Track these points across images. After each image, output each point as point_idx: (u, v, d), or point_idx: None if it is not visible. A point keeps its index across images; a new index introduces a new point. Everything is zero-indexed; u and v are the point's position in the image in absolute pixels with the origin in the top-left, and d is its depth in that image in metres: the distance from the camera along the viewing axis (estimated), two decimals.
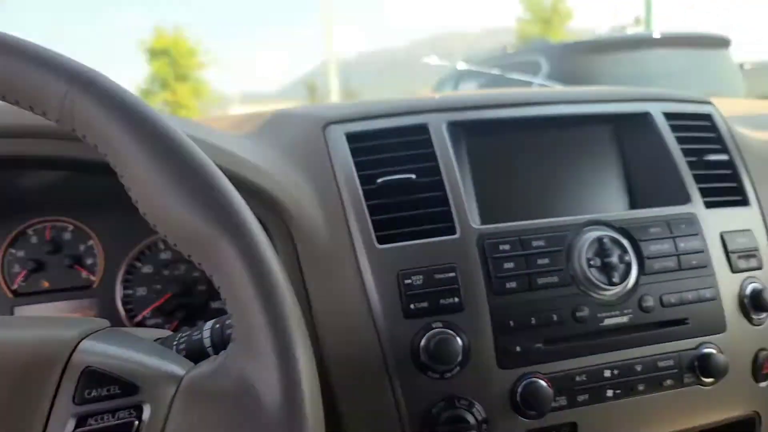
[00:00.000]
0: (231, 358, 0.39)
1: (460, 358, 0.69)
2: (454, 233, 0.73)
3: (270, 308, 0.37)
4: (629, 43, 3.98)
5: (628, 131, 0.87)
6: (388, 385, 0.69)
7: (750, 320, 0.80)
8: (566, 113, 0.85)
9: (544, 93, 0.87)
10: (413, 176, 0.75)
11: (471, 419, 0.68)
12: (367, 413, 0.69)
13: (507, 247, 0.73)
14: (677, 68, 3.81)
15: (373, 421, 0.69)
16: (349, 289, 0.71)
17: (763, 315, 0.80)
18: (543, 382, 0.70)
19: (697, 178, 0.84)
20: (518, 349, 0.71)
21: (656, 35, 4.00)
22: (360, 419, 0.69)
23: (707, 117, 0.91)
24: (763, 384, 0.80)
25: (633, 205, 0.85)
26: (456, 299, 0.70)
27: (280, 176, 0.73)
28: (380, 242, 0.72)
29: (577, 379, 0.72)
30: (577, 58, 3.85)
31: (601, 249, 0.74)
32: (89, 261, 0.88)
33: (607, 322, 0.74)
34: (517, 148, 0.84)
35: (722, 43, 4.06)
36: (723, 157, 0.87)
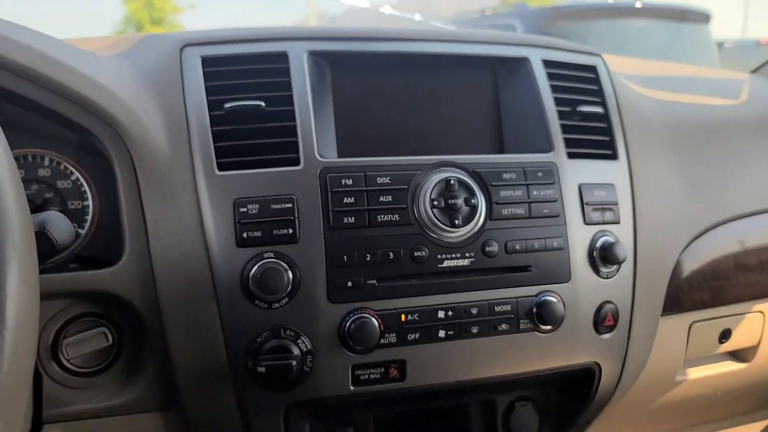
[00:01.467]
0: None
1: (288, 289, 0.68)
2: (297, 164, 0.72)
3: None
4: (609, 11, 3.90)
5: (504, 77, 0.86)
6: (216, 312, 0.69)
7: (597, 272, 0.80)
8: (442, 52, 0.83)
9: (421, 30, 0.85)
10: (262, 104, 0.73)
11: (295, 350, 0.69)
12: (193, 337, 0.69)
13: (350, 182, 0.72)
14: (655, 41, 3.77)
15: (198, 346, 0.69)
16: (185, 215, 0.70)
17: (612, 268, 0.81)
18: (372, 318, 0.70)
19: (565, 129, 0.83)
20: (349, 284, 0.71)
21: (638, 5, 3.94)
22: (185, 343, 0.69)
23: (591, 69, 0.90)
24: (605, 336, 0.81)
25: (499, 150, 0.84)
26: (290, 230, 0.69)
27: (125, 95, 0.71)
28: (221, 169, 0.71)
29: (409, 317, 0.72)
30: (552, 24, 3.77)
31: (447, 191, 0.74)
32: None
33: (447, 264, 0.74)
34: (384, 85, 0.82)
35: (703, 18, 4.01)
36: (597, 109, 0.86)
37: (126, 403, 0.72)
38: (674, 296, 0.89)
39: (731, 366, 1.02)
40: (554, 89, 0.84)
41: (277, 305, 0.69)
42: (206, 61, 0.75)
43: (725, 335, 0.98)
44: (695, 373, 0.98)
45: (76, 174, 0.72)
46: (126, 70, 0.77)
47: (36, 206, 0.70)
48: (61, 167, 0.72)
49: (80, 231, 0.71)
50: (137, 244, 0.69)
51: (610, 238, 0.81)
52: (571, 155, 0.82)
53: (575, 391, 0.86)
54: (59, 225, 0.65)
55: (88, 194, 0.72)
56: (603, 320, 0.81)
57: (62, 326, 0.71)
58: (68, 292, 0.69)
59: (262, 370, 0.67)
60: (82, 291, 0.69)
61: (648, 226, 0.85)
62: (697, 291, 0.92)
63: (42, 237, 0.63)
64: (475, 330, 0.75)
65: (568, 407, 0.87)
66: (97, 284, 0.69)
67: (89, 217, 0.72)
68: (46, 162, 0.71)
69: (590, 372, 0.83)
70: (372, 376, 0.73)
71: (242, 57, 0.76)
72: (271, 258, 0.69)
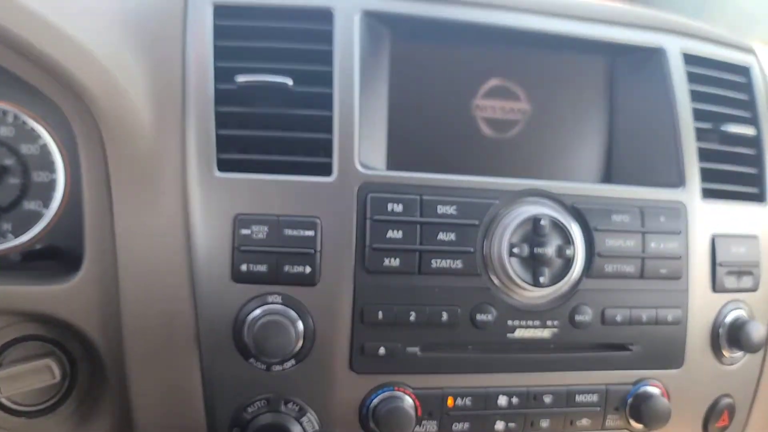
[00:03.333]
0: None
1: (297, 347, 0.49)
2: (328, 174, 0.51)
3: None
4: None
5: (627, 71, 0.62)
6: (196, 365, 0.50)
7: (719, 358, 0.59)
8: (542, 29, 0.59)
9: None
10: (290, 81, 0.52)
11: (297, 430, 0.50)
12: (163, 394, 0.51)
13: (399, 207, 0.51)
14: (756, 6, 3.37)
15: (169, 406, 0.51)
16: (167, 226, 0.50)
17: (738, 354, 0.59)
18: (408, 398, 0.51)
19: (703, 154, 0.59)
20: (382, 350, 0.51)
21: None
22: (152, 400, 0.51)
23: (743, 71, 0.65)
24: None
25: (606, 176, 0.62)
26: (308, 268, 0.49)
27: (97, 46, 0.50)
28: (222, 168, 0.50)
29: (458, 402, 0.53)
30: None
31: (534, 233, 0.52)
32: None
33: (519, 334, 0.53)
34: (460, 67, 0.59)
35: None
36: (749, 131, 0.62)
37: None
38: None
39: None
40: (695, 97, 0.60)
41: (279, 368, 0.50)
42: (219, 11, 0.53)
43: None
44: None
45: (45, 138, 0.54)
46: (113, 8, 0.56)
47: None
48: (28, 127, 0.53)
49: (43, 211, 0.53)
50: (100, 256, 0.50)
51: (743, 313, 0.59)
52: (706, 193, 0.59)
53: None
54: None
55: (58, 165, 0.54)
56: (717, 419, 0.60)
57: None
58: (6, 310, 0.51)
59: None
60: (23, 311, 0.51)
61: None
62: None
63: None
64: (545, 424, 0.55)
65: None
66: (42, 305, 0.51)
67: (56, 195, 0.54)
68: (10, 119, 0.53)
69: None
70: None
71: (270, 9, 0.54)
72: (277, 303, 0.49)
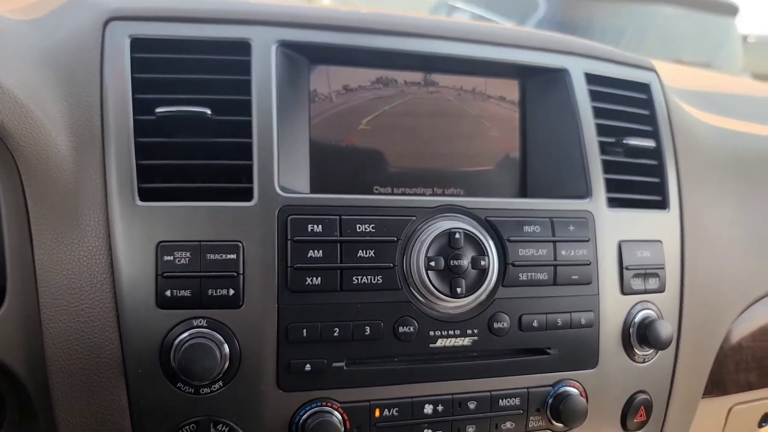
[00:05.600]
0: None
1: (223, 369, 0.50)
2: (249, 198, 0.53)
3: None
4: None
5: (536, 91, 0.66)
6: (123, 393, 0.51)
7: (632, 356, 0.63)
8: (455, 55, 0.63)
9: (432, 22, 0.65)
10: (208, 111, 0.53)
11: None
12: (91, 424, 0.51)
13: (319, 228, 0.53)
14: (679, 30, 3.58)
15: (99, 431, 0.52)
16: (90, 257, 0.51)
17: (649, 351, 0.63)
18: (335, 413, 0.53)
19: (607, 167, 0.64)
20: (308, 367, 0.52)
21: None
22: (81, 424, 0.51)
23: (643, 88, 0.70)
24: None
25: (522, 192, 0.65)
26: (231, 291, 0.51)
27: (14, 81, 0.51)
28: (143, 198, 0.51)
29: (385, 413, 0.55)
30: (578, 3, 3.57)
31: (450, 247, 0.55)
32: None
33: (441, 343, 0.56)
34: (377, 93, 0.62)
35: (731, 10, 3.80)
36: (649, 143, 0.67)
37: None
38: (717, 377, 0.72)
39: None
40: (597, 113, 0.65)
41: (207, 390, 0.51)
42: (137, 44, 0.55)
43: (766, 419, 0.81)
44: None
45: None
46: (30, 43, 0.57)
47: None
48: None
49: None
50: (22, 289, 0.51)
51: (651, 312, 0.63)
52: (612, 202, 0.63)
53: None
54: None
55: None
56: (633, 415, 0.63)
57: None
58: None
59: None
60: None
61: (697, 293, 0.67)
62: (744, 372, 0.75)
63: None
64: (471, 430, 0.57)
65: None
66: None
67: None
68: None
69: None
70: None
71: (186, 42, 0.56)
72: (203, 327, 0.50)
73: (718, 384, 0.73)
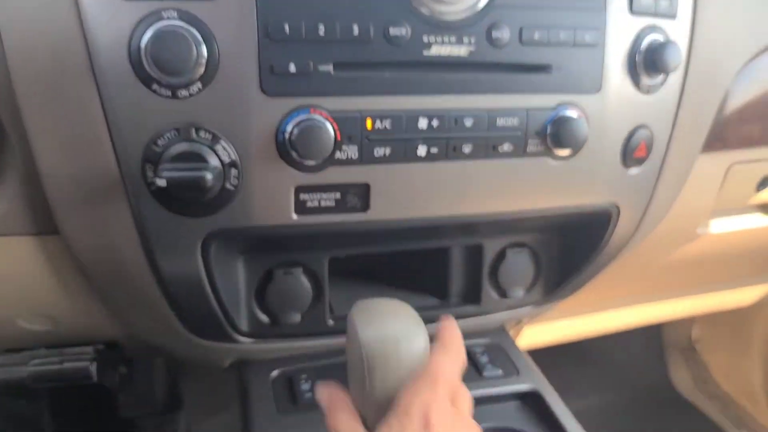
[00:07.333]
0: None
1: (202, 70, 0.46)
2: None
3: None
4: None
5: None
6: (96, 99, 0.47)
7: (637, 83, 0.59)
8: None
9: None
10: None
11: (213, 159, 0.48)
12: (66, 133, 0.48)
13: None
14: None
15: (75, 146, 0.48)
16: None
17: (657, 79, 0.60)
18: (325, 122, 0.50)
19: None
20: (293, 67, 0.48)
21: None
22: (54, 141, 0.48)
23: None
24: (632, 170, 0.63)
25: None
26: None
27: None
28: None
29: (378, 125, 0.52)
30: None
31: None
32: None
33: (436, 50, 0.51)
34: None
35: None
36: None
37: None
38: (719, 128, 0.70)
39: (758, 221, 0.86)
40: None
41: (185, 92, 0.47)
42: None
43: (765, 182, 0.80)
44: (718, 227, 0.83)
45: None
46: None
47: None
48: None
49: None
50: None
51: (660, 37, 0.59)
52: None
53: (582, 239, 0.69)
54: None
55: None
56: (633, 150, 0.61)
57: None
58: None
59: (162, 183, 0.47)
60: None
61: (709, 28, 0.63)
62: (747, 123, 0.72)
63: None
64: (467, 150, 0.55)
65: (571, 257, 0.70)
66: None
67: None
68: None
69: (605, 215, 0.65)
70: (323, 203, 0.54)
71: None
72: (173, 19, 0.46)
73: (718, 136, 0.70)
